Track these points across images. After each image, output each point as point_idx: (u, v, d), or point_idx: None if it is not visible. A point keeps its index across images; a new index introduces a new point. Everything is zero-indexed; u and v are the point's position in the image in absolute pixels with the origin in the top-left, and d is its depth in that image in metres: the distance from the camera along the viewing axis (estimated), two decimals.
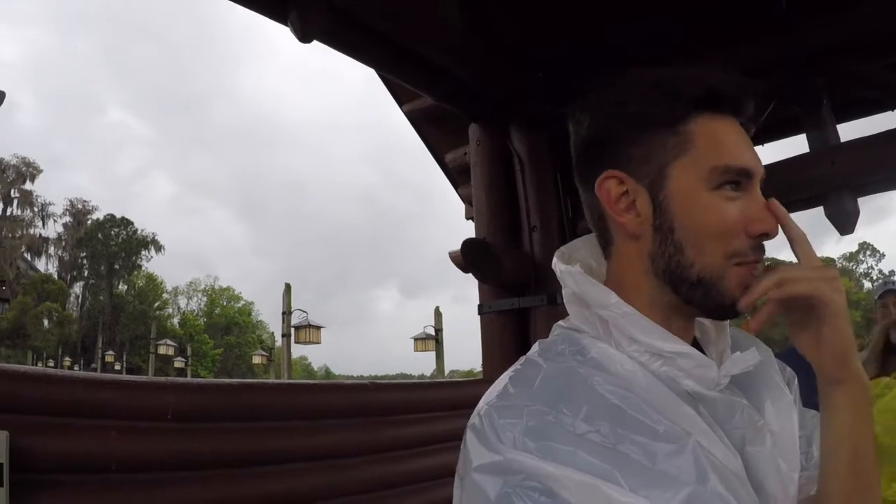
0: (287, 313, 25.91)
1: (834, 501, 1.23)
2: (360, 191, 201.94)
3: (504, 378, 1.25)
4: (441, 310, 30.55)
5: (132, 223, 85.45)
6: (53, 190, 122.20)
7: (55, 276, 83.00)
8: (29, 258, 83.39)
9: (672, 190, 1.30)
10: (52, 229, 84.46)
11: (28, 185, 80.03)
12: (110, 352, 65.46)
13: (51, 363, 61.97)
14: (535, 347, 1.36)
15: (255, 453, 3.70)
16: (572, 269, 1.38)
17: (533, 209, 5.14)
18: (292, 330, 26.38)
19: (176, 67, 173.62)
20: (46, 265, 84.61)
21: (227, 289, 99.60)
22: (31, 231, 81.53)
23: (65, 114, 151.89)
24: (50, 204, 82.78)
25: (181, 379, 3.54)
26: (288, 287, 26.18)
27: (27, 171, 79.08)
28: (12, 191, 78.87)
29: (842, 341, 1.22)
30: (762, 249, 1.30)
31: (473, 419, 1.18)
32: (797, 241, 1.31)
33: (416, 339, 30.70)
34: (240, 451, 3.75)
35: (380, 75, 5.38)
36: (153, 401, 3.51)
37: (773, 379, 1.42)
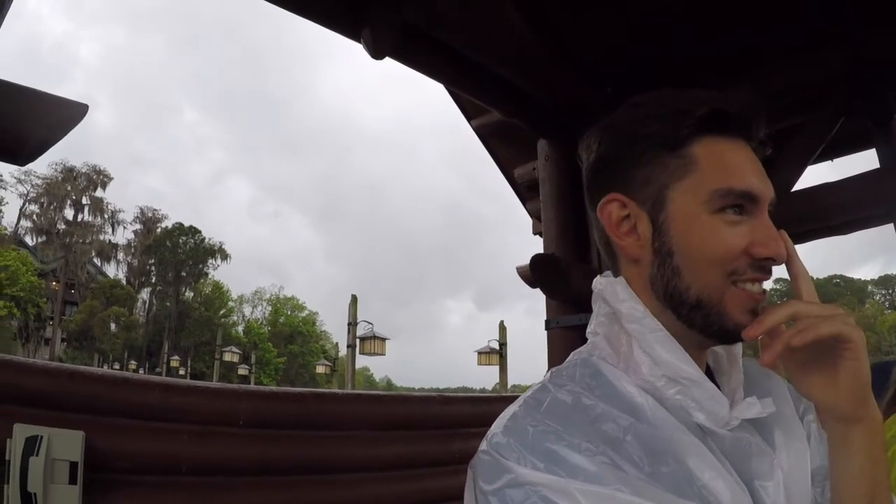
0: (353, 324, 25.96)
1: None
2: (440, 196, 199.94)
3: (515, 403, 1.26)
4: (512, 323, 30.44)
5: (200, 231, 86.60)
6: (129, 192, 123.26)
7: (123, 282, 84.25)
8: (98, 263, 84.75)
9: (672, 212, 1.29)
10: (122, 236, 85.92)
11: (99, 193, 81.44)
12: (175, 357, 66.32)
13: (116, 366, 62.94)
14: (548, 374, 1.35)
15: (323, 462, 3.72)
16: (615, 279, 1.38)
17: (595, 222, 5.06)
18: (357, 341, 26.44)
19: (252, 68, 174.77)
20: (116, 271, 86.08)
21: (292, 298, 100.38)
22: (101, 237, 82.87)
23: (140, 114, 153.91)
24: (120, 211, 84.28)
25: (254, 387, 3.58)
26: (354, 298, 26.20)
27: (98, 178, 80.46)
28: (83, 198, 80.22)
29: (862, 379, 1.16)
30: (765, 270, 1.26)
31: (483, 446, 1.19)
32: (800, 276, 1.27)
33: (479, 353, 30.56)
34: (308, 459, 3.79)
35: (448, 90, 5.40)
36: (226, 407, 3.58)
37: (785, 413, 1.38)
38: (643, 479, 1.10)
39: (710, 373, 1.38)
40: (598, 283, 1.42)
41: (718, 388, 1.31)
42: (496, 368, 30.21)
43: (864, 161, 4.92)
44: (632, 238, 1.34)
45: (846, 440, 1.18)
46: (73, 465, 3.05)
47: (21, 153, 2.94)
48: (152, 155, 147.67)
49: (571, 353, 1.44)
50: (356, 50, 3.77)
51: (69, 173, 78.82)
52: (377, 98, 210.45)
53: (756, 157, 1.32)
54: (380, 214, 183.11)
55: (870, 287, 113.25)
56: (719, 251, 1.23)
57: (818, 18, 4.47)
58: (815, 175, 4.84)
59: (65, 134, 2.93)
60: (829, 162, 5.33)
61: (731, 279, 1.23)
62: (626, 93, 4.49)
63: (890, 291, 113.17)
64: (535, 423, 1.15)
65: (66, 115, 2.90)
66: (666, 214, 1.29)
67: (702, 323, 1.26)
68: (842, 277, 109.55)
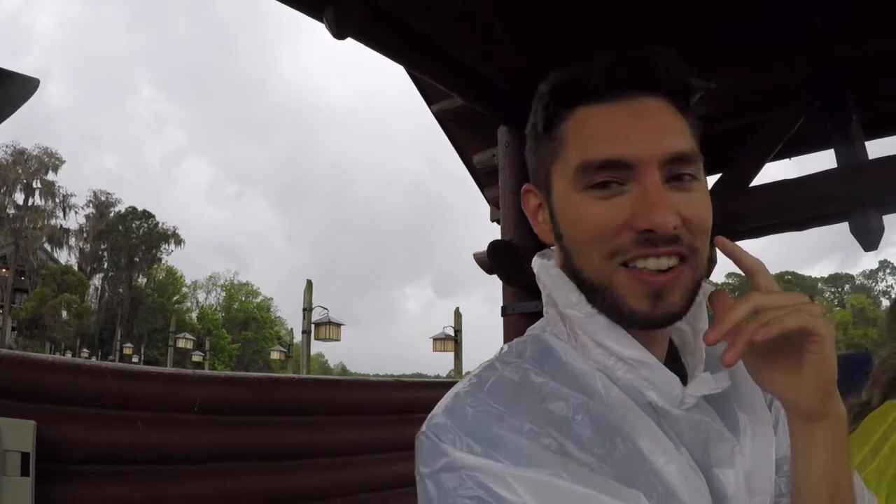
0: (308, 310, 25.88)
1: None
2: (405, 180, 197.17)
3: (460, 382, 1.23)
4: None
5: (153, 216, 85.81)
6: (84, 173, 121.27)
7: (75, 268, 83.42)
8: (49, 249, 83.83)
9: (555, 196, 1.27)
10: (74, 221, 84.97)
11: (50, 176, 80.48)
12: (128, 344, 65.86)
13: (68, 354, 62.34)
14: (499, 351, 1.32)
15: (280, 447, 3.70)
16: (547, 262, 1.35)
17: None
18: (312, 326, 26.38)
19: (214, 45, 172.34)
20: (67, 256, 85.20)
21: (247, 284, 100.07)
22: (52, 222, 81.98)
23: (97, 91, 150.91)
24: (72, 195, 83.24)
25: (209, 372, 3.56)
26: (309, 283, 26.11)
27: (49, 161, 79.43)
28: (34, 181, 79.24)
29: (828, 374, 1.10)
30: (655, 243, 1.14)
31: (423, 427, 1.16)
32: (754, 271, 1.17)
33: (434, 340, 30.64)
34: (266, 445, 3.76)
35: (409, 73, 5.37)
36: (180, 393, 3.53)
37: (749, 398, 1.33)
38: (589, 464, 1.08)
39: (673, 352, 1.34)
40: (535, 263, 1.39)
41: (684, 366, 1.30)
42: (451, 355, 30.28)
43: (823, 160, 4.99)
44: (543, 225, 1.33)
45: (810, 436, 1.15)
46: (25, 456, 2.99)
47: None
48: (109, 134, 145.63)
49: (528, 329, 1.41)
50: (320, 29, 3.72)
51: (20, 156, 77.76)
52: (344, 78, 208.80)
53: (655, 111, 1.22)
54: (344, 197, 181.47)
55: (820, 285, 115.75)
56: (589, 232, 1.18)
57: (783, 21, 4.55)
58: (775, 172, 4.89)
59: (14, 110, 2.86)
60: (787, 160, 5.37)
61: (616, 260, 1.17)
62: None
63: (839, 290, 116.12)
64: (476, 403, 1.13)
65: (15, 90, 2.84)
66: (552, 199, 1.28)
67: (604, 308, 1.21)
68: (793, 274, 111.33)
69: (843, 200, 4.40)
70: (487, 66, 4.73)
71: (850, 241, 4.43)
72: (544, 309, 1.37)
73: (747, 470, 1.21)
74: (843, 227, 4.49)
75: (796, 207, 4.61)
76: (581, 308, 1.23)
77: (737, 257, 1.18)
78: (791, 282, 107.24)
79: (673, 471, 1.11)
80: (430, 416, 1.17)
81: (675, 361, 1.31)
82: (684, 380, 1.24)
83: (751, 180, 4.71)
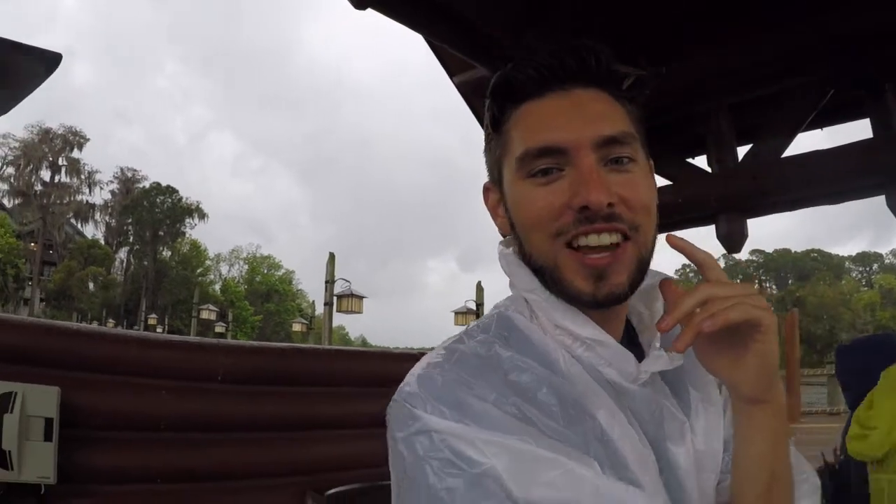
0: (330, 282, 25.90)
1: None
2: (431, 153, 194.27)
3: (430, 354, 1.27)
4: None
5: (177, 191, 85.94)
6: (110, 149, 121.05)
7: (101, 242, 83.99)
8: (76, 224, 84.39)
9: (505, 188, 1.32)
10: (99, 196, 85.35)
11: (75, 153, 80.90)
12: (153, 315, 66.37)
13: (95, 324, 62.65)
14: (468, 326, 1.35)
15: (304, 417, 3.70)
16: (506, 250, 1.38)
17: None
18: (334, 299, 26.38)
19: (238, 20, 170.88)
20: (94, 231, 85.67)
21: (269, 257, 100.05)
22: (79, 198, 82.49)
23: (122, 68, 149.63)
24: (97, 172, 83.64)
25: (233, 341, 3.55)
26: (332, 256, 26.07)
27: (74, 139, 79.74)
28: (60, 159, 79.72)
29: (770, 362, 1.16)
30: (592, 220, 1.18)
31: (395, 396, 1.19)
32: (705, 265, 1.19)
33: (456, 313, 30.58)
34: (289, 415, 3.77)
35: (430, 44, 5.33)
36: (205, 362, 3.55)
37: (702, 378, 1.37)
38: (552, 432, 1.13)
39: (631, 330, 1.39)
40: (497, 250, 1.42)
41: (641, 346, 1.36)
42: None
43: (858, 131, 4.88)
44: (502, 219, 1.37)
45: (750, 420, 1.21)
46: (49, 422, 3.01)
47: None
48: (134, 110, 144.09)
49: (493, 306, 1.44)
50: (342, 1, 3.66)
51: (45, 135, 78.17)
52: (368, 51, 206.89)
53: (588, 100, 1.27)
54: (368, 171, 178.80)
55: (847, 263, 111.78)
56: (532, 215, 1.24)
57: None
58: (807, 143, 4.78)
59: (38, 84, 2.85)
60: (819, 130, 5.27)
61: (560, 240, 1.21)
62: (615, 56, 4.41)
63: (867, 269, 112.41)
64: (444, 373, 1.17)
65: (38, 64, 2.83)
66: (505, 191, 1.33)
67: (557, 292, 1.25)
68: (820, 252, 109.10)
69: (880, 172, 4.31)
70: (510, 36, 4.69)
71: (883, 217, 4.33)
72: (510, 289, 1.41)
73: (697, 447, 1.28)
74: (876, 202, 4.40)
75: (830, 179, 4.47)
76: (539, 293, 1.28)
77: (688, 252, 1.21)
78: (817, 259, 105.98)
79: (626, 444, 1.17)
80: (401, 385, 1.20)
81: (632, 341, 1.36)
82: (641, 359, 1.28)
83: (782, 151, 4.59)
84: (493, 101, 1.34)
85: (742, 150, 4.77)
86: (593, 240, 1.18)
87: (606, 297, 1.20)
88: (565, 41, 1.30)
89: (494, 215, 1.41)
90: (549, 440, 1.11)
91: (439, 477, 1.07)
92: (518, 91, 1.29)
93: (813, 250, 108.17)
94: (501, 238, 1.40)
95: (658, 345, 1.31)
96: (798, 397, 22.70)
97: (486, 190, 1.43)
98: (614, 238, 1.19)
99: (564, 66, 1.27)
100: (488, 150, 1.40)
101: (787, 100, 4.60)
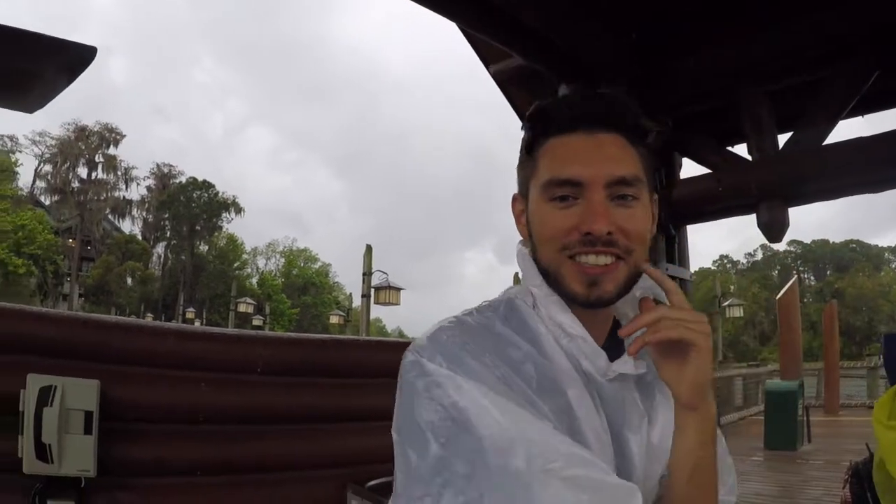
0: (367, 274, 25.93)
1: (673, 501, 1.45)
2: (468, 144, 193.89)
3: (443, 321, 1.51)
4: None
5: (213, 186, 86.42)
6: (147, 145, 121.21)
7: (139, 237, 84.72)
8: (113, 220, 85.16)
9: (530, 204, 1.55)
10: (136, 192, 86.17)
11: (112, 150, 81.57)
12: (191, 309, 66.97)
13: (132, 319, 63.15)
14: (481, 303, 1.60)
15: (343, 408, 3.69)
16: (523, 250, 1.63)
17: None
18: (372, 291, 26.39)
19: (272, 13, 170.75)
20: (131, 226, 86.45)
21: (305, 250, 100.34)
22: (116, 194, 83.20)
23: (158, 64, 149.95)
24: (133, 168, 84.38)
25: (272, 333, 3.54)
26: (369, 248, 26.11)
27: (110, 136, 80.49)
28: (97, 156, 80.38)
29: (701, 376, 1.39)
30: (593, 244, 1.43)
31: (409, 348, 1.43)
32: (670, 291, 1.45)
33: None
34: (328, 406, 3.77)
35: (465, 34, 5.30)
36: (244, 354, 3.54)
37: None
38: (529, 398, 1.36)
39: (617, 328, 1.57)
40: (517, 247, 1.66)
41: (623, 343, 1.53)
42: None
43: None
44: (523, 227, 1.61)
45: (683, 422, 1.43)
46: (89, 415, 3.02)
47: (28, 99, 2.88)
48: (170, 106, 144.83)
49: (506, 289, 1.70)
50: None
51: (81, 132, 78.96)
52: (403, 42, 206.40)
53: (608, 143, 1.48)
54: (405, 163, 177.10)
55: (887, 254, 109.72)
56: (547, 231, 1.48)
57: None
58: (847, 131, 4.70)
59: (73, 78, 2.86)
60: (861, 118, 5.19)
61: (565, 253, 1.45)
62: (651, 41, 4.35)
63: None
64: (450, 334, 1.42)
65: (73, 58, 2.83)
66: (529, 206, 1.56)
67: (555, 289, 1.50)
68: (859, 242, 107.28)
69: None
70: (545, 24, 4.64)
71: None
72: (521, 281, 1.67)
73: (652, 440, 1.54)
74: None
75: (871, 167, 4.41)
76: (542, 288, 1.53)
77: (659, 280, 1.47)
78: (856, 250, 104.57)
79: (588, 423, 1.41)
80: (415, 340, 1.46)
81: (616, 338, 1.55)
82: (623, 353, 1.51)
83: (823, 139, 4.51)
84: (528, 128, 1.57)
85: (783, 138, 4.71)
86: (591, 259, 1.44)
87: (596, 300, 1.45)
88: (596, 91, 1.61)
89: (518, 222, 1.64)
90: (524, 402, 1.33)
91: (425, 410, 1.31)
92: (551, 125, 1.51)
93: (852, 241, 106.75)
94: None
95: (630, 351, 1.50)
96: (837, 389, 22.52)
97: (514, 199, 1.65)
98: (609, 259, 1.44)
99: (593, 110, 1.50)
100: (520, 168, 1.61)
101: (828, 87, 4.52)
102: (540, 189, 1.49)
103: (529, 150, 1.56)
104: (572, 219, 1.44)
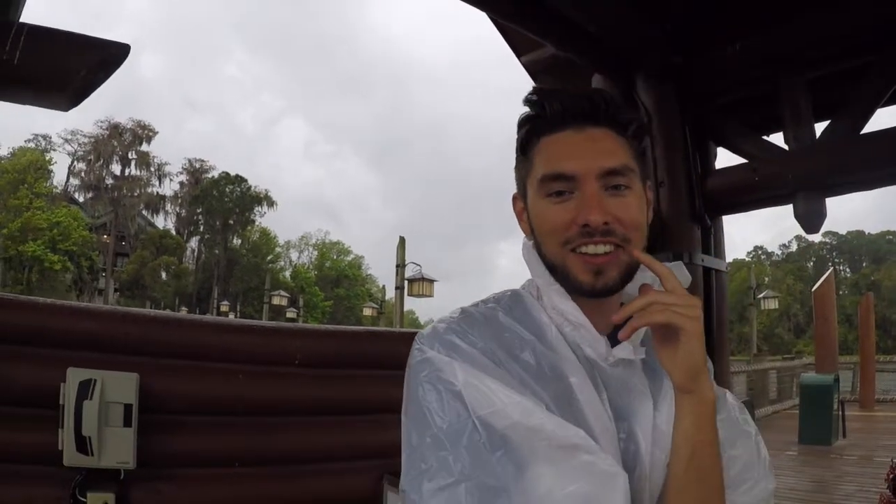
0: (401, 266, 25.97)
1: (671, 489, 1.48)
2: (501, 134, 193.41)
3: (450, 313, 1.59)
4: None
5: (246, 180, 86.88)
6: (181, 140, 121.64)
7: (172, 232, 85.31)
8: (147, 215, 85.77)
9: (529, 201, 1.63)
10: (169, 188, 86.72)
11: (144, 147, 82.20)
12: (225, 302, 67.51)
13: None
14: (488, 296, 1.68)
15: (381, 400, 3.68)
16: (528, 244, 1.69)
17: (660, 164, 5.02)
18: (405, 283, 26.40)
19: (305, 5, 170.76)
20: (164, 221, 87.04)
21: (338, 242, 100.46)
22: (149, 190, 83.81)
23: (190, 59, 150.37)
24: (166, 164, 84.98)
25: (309, 325, 3.56)
26: (402, 240, 26.14)
27: (143, 133, 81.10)
28: (130, 153, 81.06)
29: (692, 360, 1.42)
30: (592, 234, 1.49)
31: (414, 341, 1.52)
32: (663, 276, 1.47)
33: None
34: (365, 398, 3.78)
35: (496, 24, 5.28)
36: (281, 346, 3.56)
37: None
38: (527, 384, 1.42)
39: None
40: (523, 244, 1.73)
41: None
42: None
43: None
44: (525, 224, 1.68)
45: (680, 404, 1.46)
46: (128, 408, 3.05)
47: (63, 97, 2.91)
48: (204, 101, 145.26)
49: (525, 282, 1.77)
50: None
51: (114, 129, 79.59)
52: (438, 32, 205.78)
53: (597, 137, 1.56)
54: (439, 154, 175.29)
55: None
56: (547, 226, 1.55)
57: None
58: (887, 119, 4.63)
59: (108, 75, 2.88)
60: (884, 108, 5.12)
61: (568, 247, 1.52)
62: (686, 29, 4.32)
63: None
64: (451, 324, 1.50)
65: (107, 56, 2.86)
66: (528, 203, 1.64)
67: (563, 283, 1.55)
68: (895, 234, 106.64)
69: None
70: (579, 13, 4.60)
71: None
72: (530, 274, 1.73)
73: (659, 426, 1.55)
74: None
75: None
76: (546, 280, 1.59)
77: (651, 265, 1.50)
78: (893, 241, 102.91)
79: (590, 408, 1.45)
80: (420, 331, 1.55)
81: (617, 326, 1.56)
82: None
83: (861, 128, 4.44)
84: (521, 131, 1.64)
85: (819, 127, 4.66)
86: (591, 249, 1.50)
87: (602, 288, 1.51)
88: (583, 89, 1.66)
89: (519, 220, 1.71)
90: (519, 387, 1.39)
91: (426, 393, 1.40)
92: (542, 126, 1.59)
93: (888, 232, 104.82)
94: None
95: (641, 337, 1.57)
96: (873, 384, 22.33)
97: (514, 199, 1.73)
98: (608, 248, 1.50)
99: (580, 108, 1.57)
100: (517, 169, 1.69)
101: (867, 74, 4.43)
102: (536, 186, 1.57)
103: (524, 150, 1.64)
104: (569, 212, 1.51)
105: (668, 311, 1.40)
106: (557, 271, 1.55)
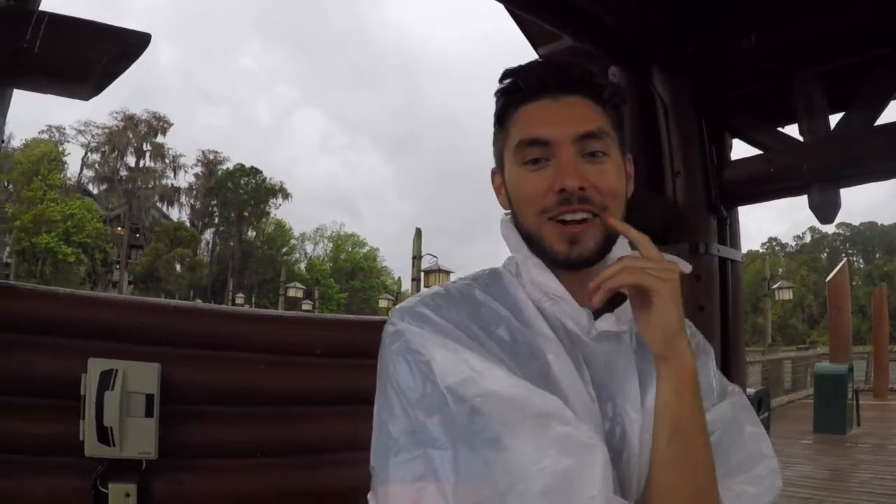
0: (417, 258, 26.02)
1: (655, 465, 1.40)
2: None
3: (427, 290, 1.63)
4: None
5: (261, 172, 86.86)
6: (195, 131, 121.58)
7: (187, 224, 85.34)
8: (161, 207, 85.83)
9: (506, 172, 1.64)
10: (184, 180, 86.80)
11: (159, 139, 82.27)
12: (240, 294, 67.61)
13: None
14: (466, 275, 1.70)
15: None
16: (506, 219, 1.70)
17: (676, 154, 5.03)
18: (422, 274, 26.44)
19: None
20: (179, 213, 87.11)
21: (353, 235, 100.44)
22: (163, 182, 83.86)
23: (205, 51, 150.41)
24: (181, 155, 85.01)
25: (329, 315, 3.58)
26: (418, 232, 26.24)
27: (158, 124, 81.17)
28: (144, 144, 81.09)
29: (667, 324, 1.38)
30: (569, 202, 1.49)
31: (389, 314, 1.54)
32: (639, 242, 1.45)
33: None
34: None
35: (513, 15, 5.29)
36: (302, 336, 3.58)
37: None
38: (500, 358, 1.41)
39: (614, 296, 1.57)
40: (501, 221, 1.73)
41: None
42: None
43: None
44: (503, 197, 1.70)
45: (659, 374, 1.42)
46: (150, 398, 3.07)
47: (84, 86, 2.93)
48: (218, 92, 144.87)
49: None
50: None
51: (129, 121, 79.65)
52: (455, 24, 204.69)
53: (572, 104, 1.56)
54: (455, 147, 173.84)
55: None
56: (523, 194, 1.56)
57: None
58: None
59: (129, 64, 2.91)
60: None
61: (545, 216, 1.52)
62: (702, 20, 4.32)
63: None
64: (425, 299, 1.51)
65: (127, 45, 2.88)
66: (505, 175, 1.65)
67: (538, 252, 1.56)
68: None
69: None
70: (594, 4, 4.61)
71: None
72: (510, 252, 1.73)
73: (648, 408, 1.49)
74: None
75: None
76: (524, 253, 1.60)
77: (626, 232, 1.51)
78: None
79: (570, 385, 1.43)
80: (393, 309, 1.56)
81: (608, 305, 1.54)
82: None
83: (875, 120, 4.45)
84: (498, 101, 1.65)
85: (834, 119, 4.67)
86: (568, 216, 1.49)
87: (577, 257, 1.50)
88: (558, 58, 1.62)
89: (498, 193, 1.72)
90: (492, 358, 1.38)
91: (395, 365, 1.40)
92: (519, 97, 1.59)
93: None
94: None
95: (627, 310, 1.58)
96: (886, 373, 22.31)
97: (493, 174, 1.74)
98: (585, 216, 1.49)
99: (556, 77, 1.58)
100: (495, 142, 1.70)
101: (881, 67, 4.45)
102: (512, 154, 1.57)
103: (500, 121, 1.65)
104: (546, 180, 1.50)
105: (639, 272, 1.39)
106: (534, 241, 1.55)
